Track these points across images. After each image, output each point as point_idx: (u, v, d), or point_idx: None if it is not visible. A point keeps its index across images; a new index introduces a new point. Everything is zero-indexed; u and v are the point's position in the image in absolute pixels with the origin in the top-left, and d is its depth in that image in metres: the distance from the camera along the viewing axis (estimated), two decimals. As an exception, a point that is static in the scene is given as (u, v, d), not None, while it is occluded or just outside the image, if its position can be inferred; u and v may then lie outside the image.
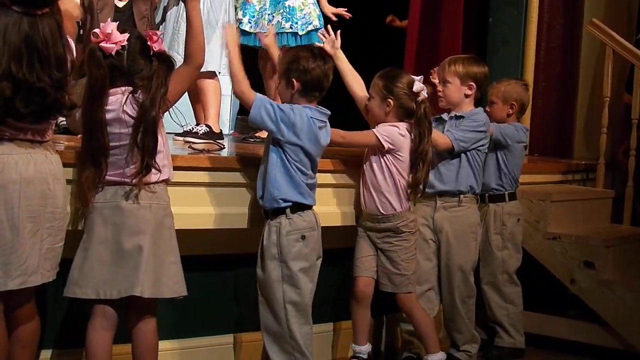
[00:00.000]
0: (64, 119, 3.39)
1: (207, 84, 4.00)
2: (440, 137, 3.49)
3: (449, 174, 3.57)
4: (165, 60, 2.69)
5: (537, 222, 4.05)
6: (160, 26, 3.98)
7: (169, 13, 3.96)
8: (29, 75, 2.35)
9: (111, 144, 2.63)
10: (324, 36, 3.57)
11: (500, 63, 5.14)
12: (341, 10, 4.43)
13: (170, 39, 3.81)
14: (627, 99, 5.08)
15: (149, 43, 2.66)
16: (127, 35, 2.62)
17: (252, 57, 4.56)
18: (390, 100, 3.31)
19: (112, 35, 2.59)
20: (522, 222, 3.96)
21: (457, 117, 3.60)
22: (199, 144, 3.58)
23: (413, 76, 3.35)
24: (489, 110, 3.86)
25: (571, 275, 3.96)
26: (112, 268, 2.63)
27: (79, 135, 3.12)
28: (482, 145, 3.62)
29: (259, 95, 2.97)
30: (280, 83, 3.10)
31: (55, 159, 2.53)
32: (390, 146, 3.30)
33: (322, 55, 3.09)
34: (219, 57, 3.94)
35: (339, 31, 3.52)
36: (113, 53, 2.60)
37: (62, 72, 2.43)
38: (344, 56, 3.44)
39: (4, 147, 2.42)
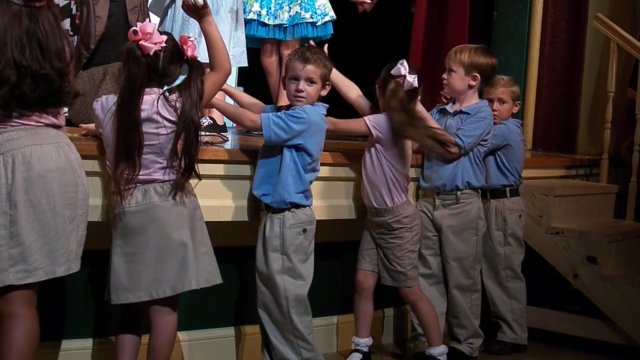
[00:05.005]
0: (67, 111, 3.37)
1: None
2: (450, 148, 3.44)
3: (446, 169, 3.55)
4: (197, 65, 2.73)
5: (540, 216, 4.04)
6: (168, 14, 3.95)
7: (178, 1, 3.92)
8: (33, 64, 2.36)
9: None
10: None
11: (504, 57, 5.13)
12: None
13: (180, 29, 3.77)
14: (631, 94, 5.08)
15: (183, 47, 2.71)
16: (165, 37, 2.66)
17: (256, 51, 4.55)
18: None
19: (152, 35, 2.62)
20: (524, 217, 3.95)
21: (462, 113, 3.58)
22: (203, 136, 3.55)
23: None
24: (497, 108, 3.80)
25: (574, 270, 3.95)
26: (159, 266, 2.66)
27: (80, 125, 3.12)
28: (485, 140, 3.60)
29: (263, 114, 3.03)
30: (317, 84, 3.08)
31: (74, 148, 2.55)
32: (379, 134, 3.28)
33: None
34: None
35: (325, 45, 3.51)
36: (151, 53, 2.62)
37: (63, 62, 2.44)
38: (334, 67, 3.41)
39: (34, 137, 2.42)
